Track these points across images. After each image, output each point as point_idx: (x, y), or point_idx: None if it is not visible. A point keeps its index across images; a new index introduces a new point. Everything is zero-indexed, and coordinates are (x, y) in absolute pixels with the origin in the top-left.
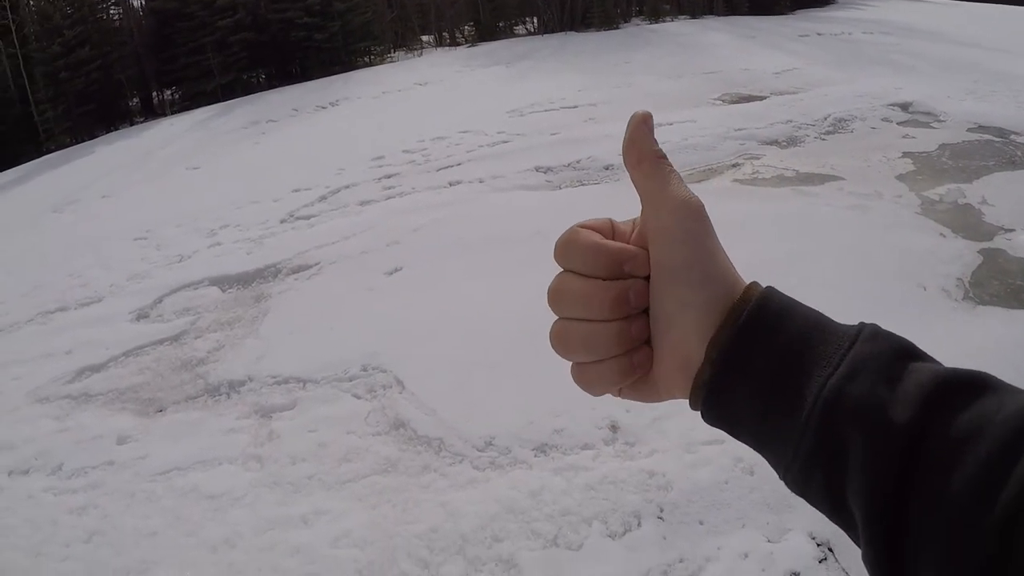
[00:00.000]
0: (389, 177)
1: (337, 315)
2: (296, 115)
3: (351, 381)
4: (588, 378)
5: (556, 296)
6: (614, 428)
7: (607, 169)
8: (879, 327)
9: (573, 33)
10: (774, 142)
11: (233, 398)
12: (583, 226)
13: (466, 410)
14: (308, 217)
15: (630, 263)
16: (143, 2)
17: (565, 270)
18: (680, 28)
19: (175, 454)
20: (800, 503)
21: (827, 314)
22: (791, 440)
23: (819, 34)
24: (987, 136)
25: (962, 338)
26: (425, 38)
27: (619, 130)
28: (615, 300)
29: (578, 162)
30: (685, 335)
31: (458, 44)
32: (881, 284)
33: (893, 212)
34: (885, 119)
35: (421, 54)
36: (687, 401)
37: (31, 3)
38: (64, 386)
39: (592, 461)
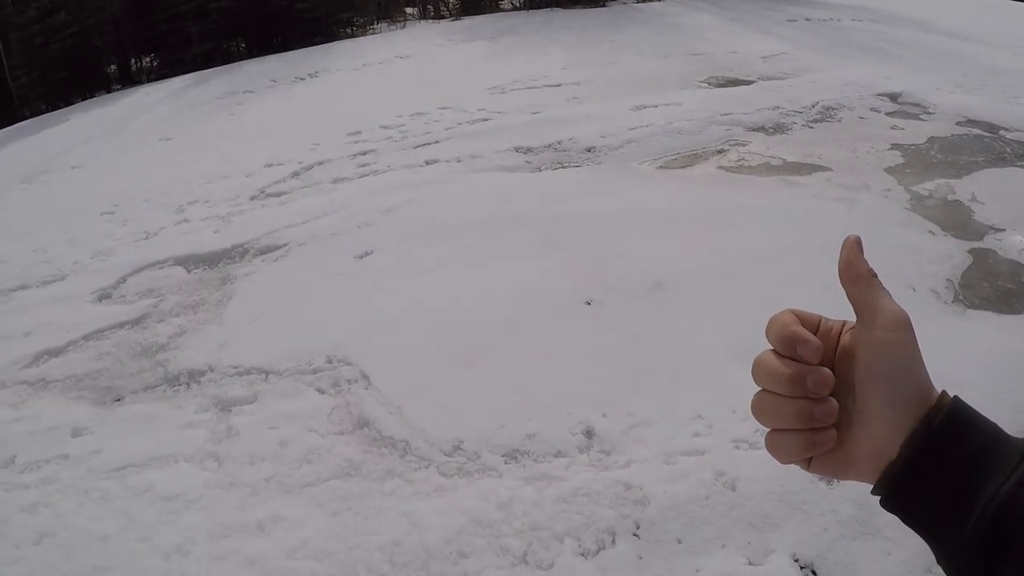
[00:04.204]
0: (364, 154)
1: (303, 301)
2: (274, 86)
3: (315, 374)
4: (773, 443)
5: (754, 368)
6: (589, 434)
7: (588, 151)
8: None
9: (559, 9)
10: (761, 128)
11: (193, 389)
12: (794, 312)
13: (434, 410)
14: (279, 194)
15: (810, 355)
16: None
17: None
18: (667, 8)
19: (131, 449)
20: (783, 522)
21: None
22: (962, 535)
23: (807, 19)
24: (976, 131)
25: (952, 343)
26: (409, 10)
27: (602, 111)
28: (791, 378)
29: (559, 143)
30: (884, 429)
31: (443, 17)
32: None
33: (882, 206)
34: (873, 109)
35: (404, 26)
36: (870, 485)
37: None
38: (21, 371)
39: (565, 470)
